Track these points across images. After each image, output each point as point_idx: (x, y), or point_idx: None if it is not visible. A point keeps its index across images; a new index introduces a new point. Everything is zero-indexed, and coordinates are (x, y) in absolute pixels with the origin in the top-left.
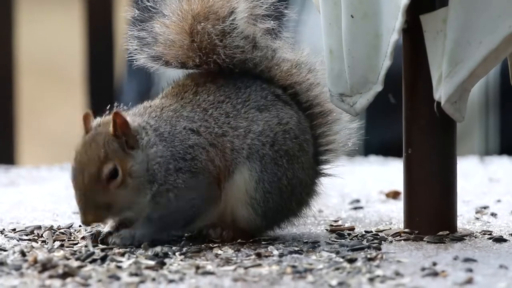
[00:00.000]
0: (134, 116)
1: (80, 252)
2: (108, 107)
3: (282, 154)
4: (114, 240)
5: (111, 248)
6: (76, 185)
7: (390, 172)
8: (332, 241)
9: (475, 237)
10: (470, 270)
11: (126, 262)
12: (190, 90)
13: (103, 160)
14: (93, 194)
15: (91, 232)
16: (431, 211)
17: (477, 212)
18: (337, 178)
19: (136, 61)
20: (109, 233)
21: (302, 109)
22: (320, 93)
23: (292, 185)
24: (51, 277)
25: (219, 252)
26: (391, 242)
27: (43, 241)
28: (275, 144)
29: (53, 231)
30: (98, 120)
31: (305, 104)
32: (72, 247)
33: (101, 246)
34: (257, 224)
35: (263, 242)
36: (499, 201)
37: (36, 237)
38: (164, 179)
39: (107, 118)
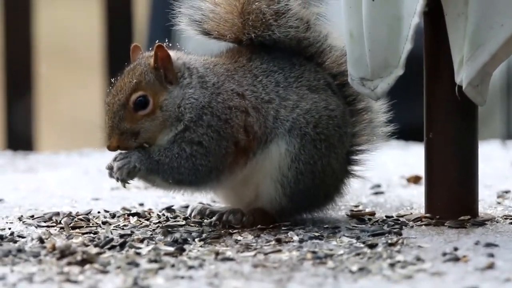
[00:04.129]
0: (181, 55)
1: (98, 239)
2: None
3: (322, 138)
4: (110, 165)
5: (130, 234)
6: (106, 110)
7: (411, 157)
8: (353, 226)
9: (497, 222)
10: (492, 255)
11: (145, 248)
12: (245, 55)
13: (134, 88)
14: (120, 120)
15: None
16: (452, 196)
17: (498, 197)
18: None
19: (186, 34)
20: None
21: (346, 103)
22: None
23: (325, 173)
24: (69, 264)
25: (239, 238)
26: (412, 227)
27: (62, 228)
28: (318, 126)
29: (72, 217)
30: (147, 53)
31: (349, 98)
32: (91, 233)
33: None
34: (282, 205)
35: (283, 228)
36: None
37: (54, 224)
38: (193, 126)
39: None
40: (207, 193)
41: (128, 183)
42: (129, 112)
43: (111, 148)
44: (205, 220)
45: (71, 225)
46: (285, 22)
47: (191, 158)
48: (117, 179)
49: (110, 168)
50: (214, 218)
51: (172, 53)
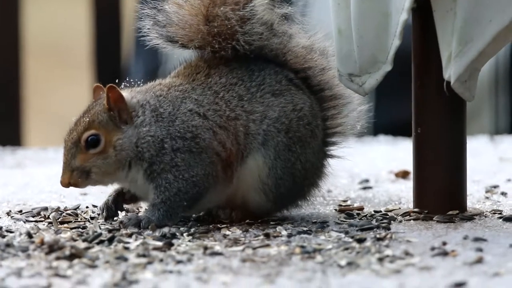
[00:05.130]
0: (135, 93)
1: (87, 233)
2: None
3: (295, 141)
4: (122, 220)
5: (118, 229)
6: (63, 147)
7: (400, 152)
8: (341, 221)
9: (485, 217)
10: (480, 250)
11: (133, 243)
12: (203, 71)
13: (86, 127)
14: (72, 157)
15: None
16: (440, 191)
17: (487, 192)
18: (345, 159)
19: (149, 41)
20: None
21: (313, 92)
22: (332, 77)
23: (306, 170)
24: (58, 258)
25: (227, 232)
26: (400, 221)
27: (50, 223)
28: (289, 131)
29: (60, 212)
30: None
31: (316, 87)
32: (79, 228)
33: (108, 226)
34: (267, 208)
35: (271, 223)
36: (509, 180)
37: (42, 219)
38: (157, 159)
39: None
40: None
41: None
42: (81, 150)
43: (63, 184)
44: (193, 215)
45: (59, 220)
46: (251, 28)
47: (178, 179)
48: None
49: (121, 222)
50: (202, 213)
51: (125, 92)
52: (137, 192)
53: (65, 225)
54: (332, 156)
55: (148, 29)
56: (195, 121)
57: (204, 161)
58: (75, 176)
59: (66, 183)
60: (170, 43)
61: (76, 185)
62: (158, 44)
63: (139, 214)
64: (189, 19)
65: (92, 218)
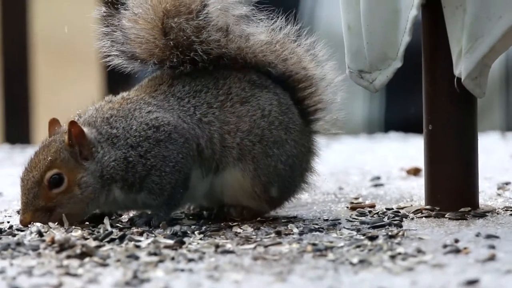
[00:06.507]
0: (89, 126)
1: (98, 232)
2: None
3: (271, 146)
4: (133, 218)
5: (130, 228)
6: (21, 186)
7: (411, 149)
8: (353, 218)
9: (497, 214)
10: (493, 247)
11: (144, 241)
12: (166, 82)
13: (48, 166)
14: (34, 197)
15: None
16: (452, 188)
17: (499, 188)
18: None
19: (111, 60)
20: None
21: (281, 81)
22: (295, 63)
23: (290, 165)
24: (69, 257)
25: (239, 230)
26: (412, 219)
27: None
28: (263, 139)
29: None
30: (63, 127)
31: (284, 75)
32: (90, 226)
33: (119, 225)
34: (266, 208)
35: (283, 220)
36: None
37: None
38: (130, 174)
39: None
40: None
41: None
42: (44, 189)
43: (23, 224)
44: (204, 213)
45: None
46: (207, 37)
47: (162, 176)
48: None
49: (131, 220)
50: (214, 211)
51: (85, 128)
52: (121, 207)
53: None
54: (319, 132)
55: (108, 48)
56: (153, 114)
57: (177, 142)
58: (38, 216)
59: (27, 222)
60: (131, 61)
61: (40, 223)
62: (119, 63)
63: (148, 216)
64: (146, 34)
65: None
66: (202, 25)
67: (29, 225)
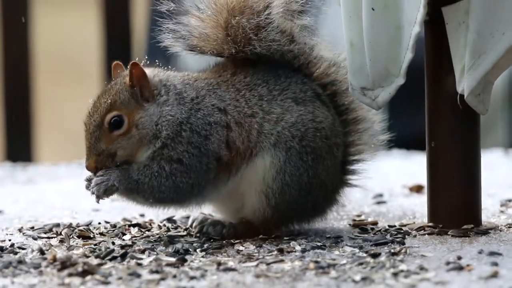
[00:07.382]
0: (161, 72)
1: (99, 250)
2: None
3: (309, 151)
4: (89, 176)
5: (131, 245)
6: (84, 130)
7: (413, 166)
8: (355, 236)
9: (500, 231)
10: (496, 264)
11: (146, 259)
12: (230, 70)
13: (108, 108)
14: (96, 140)
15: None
16: (455, 205)
17: (502, 205)
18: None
19: (170, 48)
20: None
21: (338, 113)
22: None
23: (312, 184)
24: (70, 275)
25: (241, 248)
26: (415, 236)
27: (62, 239)
28: (304, 139)
29: (72, 228)
30: (126, 71)
31: (341, 108)
32: (92, 244)
33: (120, 242)
34: (266, 216)
35: (285, 238)
36: None
37: (54, 235)
38: (171, 144)
39: None
40: (193, 208)
41: (103, 199)
42: (105, 132)
43: (89, 169)
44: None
45: (76, 234)
46: (266, 36)
47: (171, 176)
48: (93, 193)
49: (88, 180)
50: (195, 230)
51: (148, 70)
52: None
53: (82, 240)
54: (349, 185)
55: (171, 42)
56: (214, 116)
57: (201, 167)
58: (101, 159)
59: (93, 167)
60: (190, 51)
61: (103, 168)
62: (179, 51)
63: (110, 173)
64: (209, 32)
65: (104, 234)
66: (262, 24)
67: (95, 170)
